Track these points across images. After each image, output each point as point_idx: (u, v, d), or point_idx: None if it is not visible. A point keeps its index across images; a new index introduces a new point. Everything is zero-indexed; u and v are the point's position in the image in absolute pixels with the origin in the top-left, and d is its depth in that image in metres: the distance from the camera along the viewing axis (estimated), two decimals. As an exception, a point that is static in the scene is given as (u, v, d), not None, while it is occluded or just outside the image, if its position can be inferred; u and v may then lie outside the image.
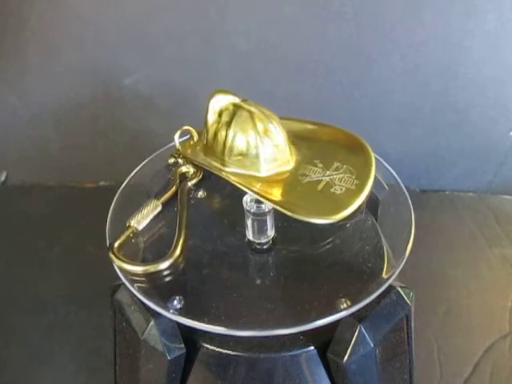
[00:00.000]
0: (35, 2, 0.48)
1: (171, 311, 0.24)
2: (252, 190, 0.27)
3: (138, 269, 0.26)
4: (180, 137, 0.32)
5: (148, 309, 0.25)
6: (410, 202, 0.29)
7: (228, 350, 0.25)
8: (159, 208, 0.29)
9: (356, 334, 0.24)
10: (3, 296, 0.45)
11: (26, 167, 0.59)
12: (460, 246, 0.49)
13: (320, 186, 0.27)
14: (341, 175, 0.28)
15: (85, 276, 0.46)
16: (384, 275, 0.26)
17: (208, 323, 0.24)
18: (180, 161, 0.32)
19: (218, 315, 0.24)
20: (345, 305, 0.24)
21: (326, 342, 0.25)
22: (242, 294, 0.25)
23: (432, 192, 0.56)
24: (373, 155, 0.28)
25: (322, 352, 0.25)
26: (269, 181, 0.28)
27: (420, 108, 0.52)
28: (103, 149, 0.57)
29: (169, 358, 0.25)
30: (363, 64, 0.50)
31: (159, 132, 0.55)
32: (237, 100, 0.29)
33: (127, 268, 0.26)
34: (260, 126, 0.28)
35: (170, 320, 0.25)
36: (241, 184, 0.28)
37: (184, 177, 0.32)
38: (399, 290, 0.26)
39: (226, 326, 0.23)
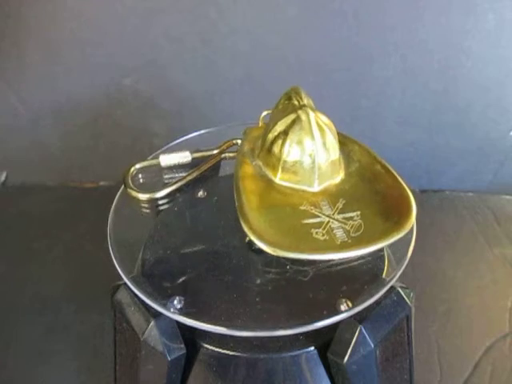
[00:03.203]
0: (35, 2, 0.48)
1: (171, 311, 0.24)
2: (237, 189, 0.27)
3: (139, 195, 0.30)
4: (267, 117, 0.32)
5: (148, 309, 0.25)
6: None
7: (228, 350, 0.25)
8: (188, 157, 0.32)
9: (356, 334, 0.24)
10: (3, 296, 0.45)
11: (25, 167, 0.59)
12: (460, 246, 0.49)
13: (307, 221, 0.25)
14: (343, 225, 0.25)
15: (85, 276, 0.46)
16: (385, 276, 0.26)
17: (208, 323, 0.24)
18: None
19: (218, 315, 0.24)
20: (346, 306, 0.24)
21: (327, 343, 0.25)
22: (242, 294, 0.25)
23: (432, 192, 0.56)
24: (401, 234, 0.24)
25: (323, 352, 0.25)
26: (275, 189, 0.27)
27: (420, 108, 0.52)
28: (103, 149, 0.57)
29: (169, 359, 0.25)
30: (363, 64, 0.50)
31: (159, 132, 0.55)
32: (300, 102, 0.28)
33: (131, 193, 0.30)
34: (297, 134, 0.27)
35: (171, 320, 0.25)
36: (237, 178, 0.28)
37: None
38: (399, 290, 0.26)
39: (226, 326, 0.23)
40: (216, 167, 0.34)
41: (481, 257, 0.48)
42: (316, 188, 0.28)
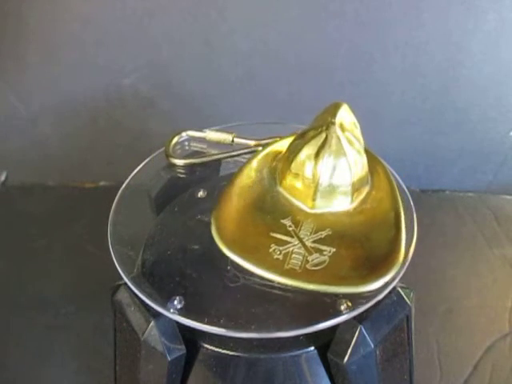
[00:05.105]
0: (35, 2, 0.48)
1: (171, 311, 0.24)
2: (229, 181, 0.27)
3: (175, 160, 0.33)
4: None
5: (148, 309, 0.25)
6: (411, 203, 0.28)
7: (228, 350, 0.25)
8: (230, 138, 0.34)
9: (356, 334, 0.24)
10: (3, 296, 0.45)
11: (26, 167, 0.59)
12: (460, 246, 0.49)
13: (275, 235, 0.25)
14: (306, 254, 0.24)
15: (85, 276, 0.46)
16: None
17: (208, 323, 0.24)
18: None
19: (218, 315, 0.24)
20: (346, 307, 0.24)
21: (327, 343, 0.25)
22: (242, 295, 0.25)
23: (432, 192, 0.56)
24: (356, 290, 0.22)
25: (323, 352, 0.25)
26: (272, 194, 0.27)
27: (420, 108, 0.52)
28: (103, 149, 0.57)
29: (169, 359, 0.25)
30: (363, 64, 0.50)
31: (159, 132, 0.54)
32: (331, 118, 0.27)
33: (170, 160, 0.33)
34: (310, 150, 0.26)
35: (170, 320, 0.25)
36: (239, 171, 0.28)
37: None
38: (399, 290, 0.26)
39: (226, 327, 0.23)
40: (216, 167, 0.34)
41: (481, 257, 0.48)
42: (313, 209, 0.26)
